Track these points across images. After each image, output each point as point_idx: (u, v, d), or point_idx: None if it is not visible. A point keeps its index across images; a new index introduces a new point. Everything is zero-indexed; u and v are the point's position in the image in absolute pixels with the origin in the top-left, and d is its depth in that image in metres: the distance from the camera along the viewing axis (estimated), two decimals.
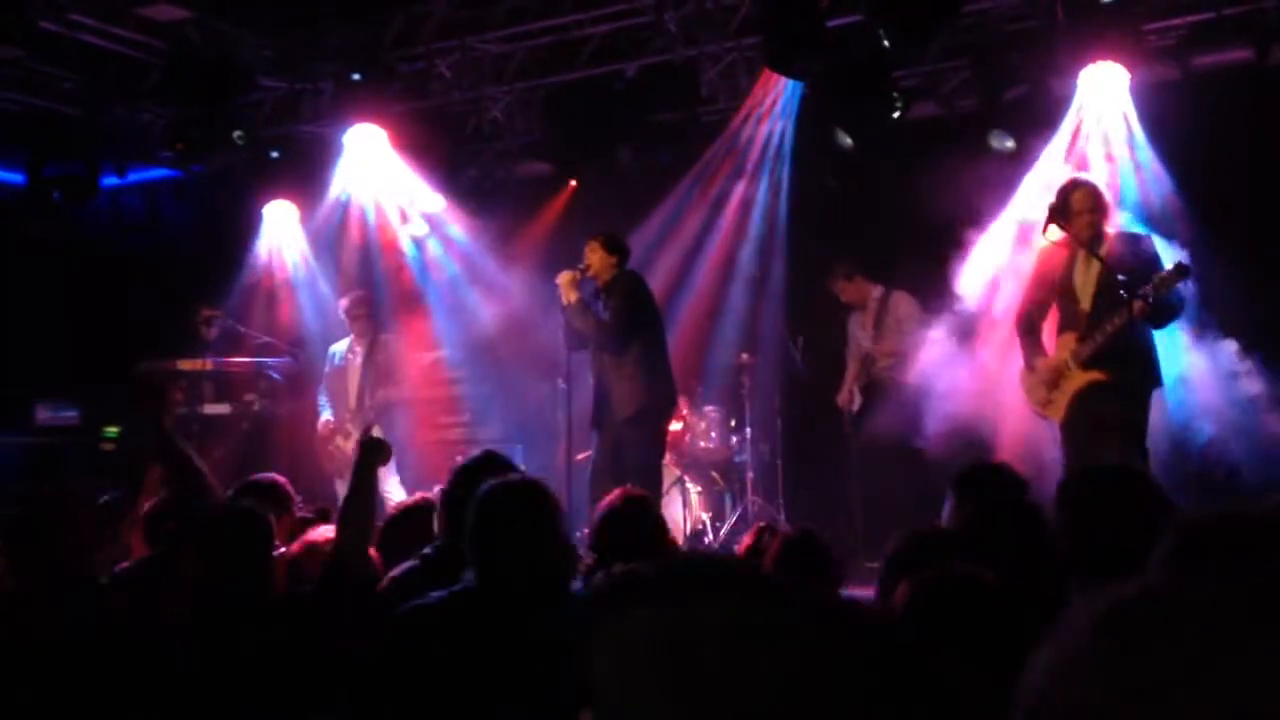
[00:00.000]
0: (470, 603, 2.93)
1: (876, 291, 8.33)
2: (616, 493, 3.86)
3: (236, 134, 8.77)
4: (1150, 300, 5.59)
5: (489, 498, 3.01)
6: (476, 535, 2.97)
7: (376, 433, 8.42)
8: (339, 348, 8.84)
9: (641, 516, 3.69)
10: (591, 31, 8.51)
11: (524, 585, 2.91)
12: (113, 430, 9.49)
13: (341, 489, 8.27)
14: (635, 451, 6.92)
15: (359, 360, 8.71)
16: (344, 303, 8.91)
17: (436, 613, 2.91)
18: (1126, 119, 7.66)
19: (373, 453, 3.67)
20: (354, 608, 3.33)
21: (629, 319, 7.00)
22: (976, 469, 3.94)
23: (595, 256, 7.10)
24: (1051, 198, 6.12)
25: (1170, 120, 7.41)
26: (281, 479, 4.45)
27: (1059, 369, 6.03)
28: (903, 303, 8.19)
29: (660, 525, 3.82)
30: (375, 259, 9.91)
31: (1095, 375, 5.88)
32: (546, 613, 2.87)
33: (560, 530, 3.04)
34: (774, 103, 8.51)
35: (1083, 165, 7.47)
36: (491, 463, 3.79)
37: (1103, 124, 7.70)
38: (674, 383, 7.34)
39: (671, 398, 7.35)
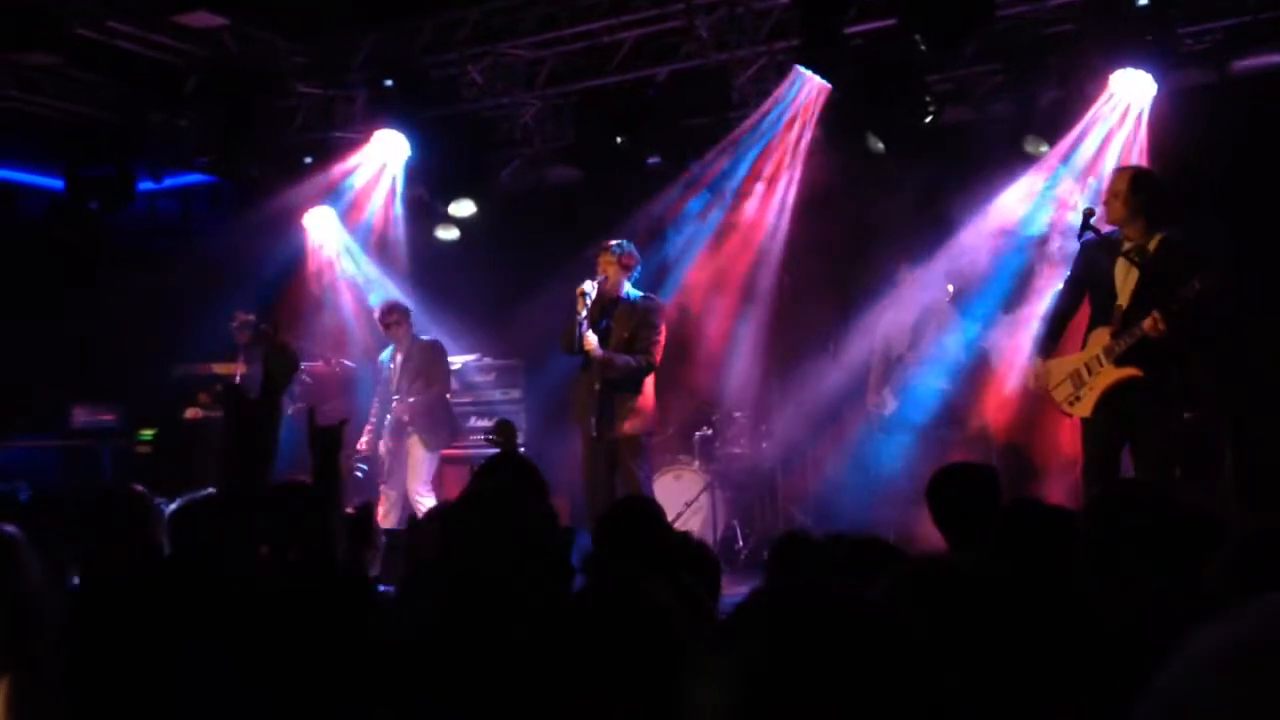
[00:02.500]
0: None
1: (926, 297, 8.23)
2: (627, 496, 3.92)
3: (266, 131, 8.85)
4: (1163, 322, 5.48)
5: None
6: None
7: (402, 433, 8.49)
8: (385, 355, 8.88)
9: (655, 518, 3.73)
10: (623, 37, 8.51)
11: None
12: (149, 433, 9.59)
13: (387, 492, 8.37)
14: (641, 464, 7.08)
15: (399, 366, 8.74)
16: (376, 312, 8.94)
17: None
18: (1139, 128, 7.62)
19: (321, 440, 3.51)
20: None
21: (660, 351, 7.12)
22: (946, 475, 3.98)
23: (611, 269, 7.10)
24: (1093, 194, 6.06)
25: (1204, 123, 7.32)
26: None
27: (1090, 364, 5.83)
28: (949, 313, 8.11)
29: (669, 527, 3.87)
30: (408, 264, 9.96)
31: (1128, 372, 5.69)
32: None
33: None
34: (800, 106, 8.47)
35: (1092, 170, 7.47)
36: (503, 465, 3.82)
37: (1116, 130, 7.68)
38: None
39: None
